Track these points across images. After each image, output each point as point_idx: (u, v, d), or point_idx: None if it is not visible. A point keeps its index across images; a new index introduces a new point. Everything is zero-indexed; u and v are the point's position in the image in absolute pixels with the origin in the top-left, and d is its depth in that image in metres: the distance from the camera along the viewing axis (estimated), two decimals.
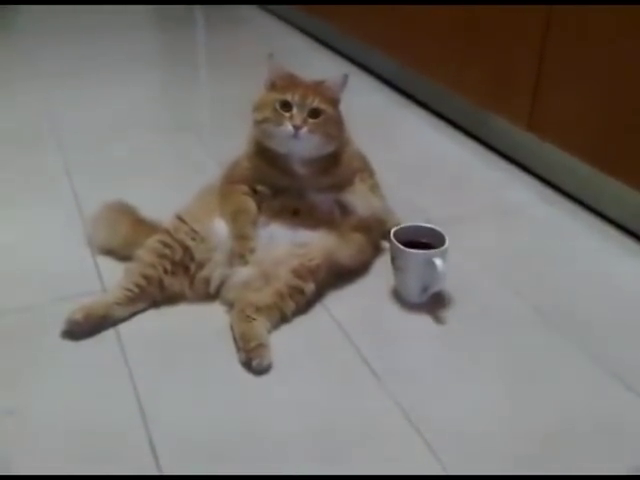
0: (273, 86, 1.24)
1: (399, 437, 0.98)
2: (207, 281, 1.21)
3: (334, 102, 1.24)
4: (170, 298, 1.21)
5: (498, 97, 1.73)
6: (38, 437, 0.96)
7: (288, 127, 1.19)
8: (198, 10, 3.14)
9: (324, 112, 1.21)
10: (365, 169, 1.37)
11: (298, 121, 1.19)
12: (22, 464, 0.92)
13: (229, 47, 2.63)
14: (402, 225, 1.26)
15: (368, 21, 2.20)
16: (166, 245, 1.22)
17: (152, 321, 1.18)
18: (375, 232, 1.32)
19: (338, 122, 1.25)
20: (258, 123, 1.24)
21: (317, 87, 1.22)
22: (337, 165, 1.28)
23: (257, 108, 1.24)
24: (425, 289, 1.21)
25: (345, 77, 1.23)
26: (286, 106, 1.20)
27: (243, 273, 1.20)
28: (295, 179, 1.26)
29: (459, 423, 1.00)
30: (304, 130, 1.19)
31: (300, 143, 1.20)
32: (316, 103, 1.20)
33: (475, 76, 1.79)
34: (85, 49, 2.57)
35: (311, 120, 1.20)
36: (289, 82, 1.22)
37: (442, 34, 1.88)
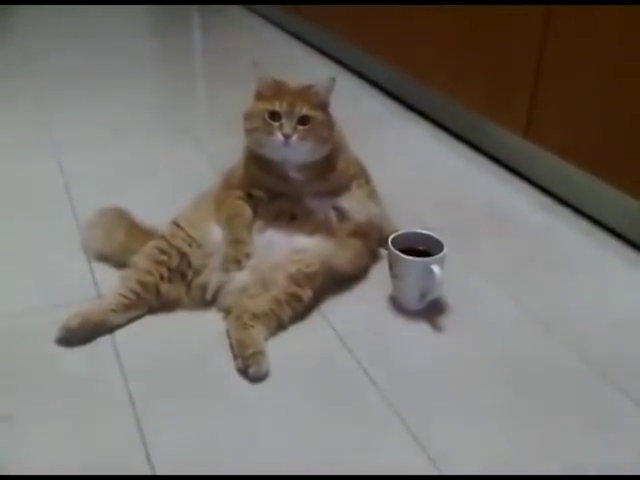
0: (260, 95, 1.24)
1: (395, 441, 0.97)
2: (204, 287, 1.21)
3: (322, 106, 1.24)
4: (166, 305, 1.20)
5: (495, 105, 1.73)
6: (33, 441, 0.95)
7: (278, 136, 1.19)
8: (195, 12, 3.15)
9: (313, 118, 1.21)
10: (362, 175, 1.36)
11: (288, 130, 1.19)
12: (18, 468, 0.91)
13: (226, 51, 2.64)
14: (400, 232, 1.25)
15: (364, 28, 2.20)
16: (162, 251, 1.21)
17: (148, 328, 1.17)
18: (372, 238, 1.32)
19: (328, 125, 1.24)
20: (249, 132, 1.24)
21: (304, 93, 1.22)
22: (332, 170, 1.28)
23: (247, 118, 1.24)
24: (423, 296, 1.20)
25: (332, 80, 1.23)
26: (275, 116, 1.20)
27: (240, 279, 1.19)
28: (291, 185, 1.26)
29: (457, 429, 0.99)
30: (294, 138, 1.19)
31: (292, 151, 1.21)
32: (304, 110, 1.20)
33: (472, 83, 1.80)
34: (82, 51, 2.57)
35: (301, 127, 1.20)
36: (276, 91, 1.22)
37: (439, 41, 1.89)
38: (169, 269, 1.20)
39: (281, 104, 1.19)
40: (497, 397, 1.06)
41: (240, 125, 1.25)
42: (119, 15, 3.06)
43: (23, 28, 2.89)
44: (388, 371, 1.10)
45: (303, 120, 1.20)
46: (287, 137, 1.19)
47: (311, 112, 1.20)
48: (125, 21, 3.02)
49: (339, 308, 1.23)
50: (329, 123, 1.25)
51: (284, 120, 1.19)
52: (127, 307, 1.16)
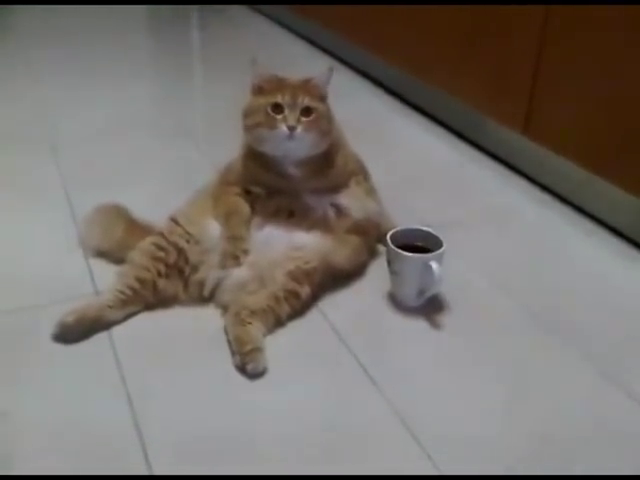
0: (260, 90, 1.23)
1: (395, 440, 0.97)
2: (201, 284, 1.20)
3: (322, 98, 1.24)
4: (164, 301, 1.20)
5: (494, 101, 1.73)
6: (30, 439, 0.95)
7: (283, 129, 1.18)
8: (194, 11, 3.14)
9: (315, 109, 1.20)
10: (361, 172, 1.36)
11: (292, 121, 1.18)
12: (15, 466, 0.91)
13: (224, 49, 2.63)
14: (398, 228, 1.25)
15: (366, 27, 2.19)
16: (160, 248, 1.21)
17: (145, 324, 1.17)
18: (371, 235, 1.31)
19: (328, 117, 1.24)
20: (250, 129, 1.23)
21: (305, 85, 1.22)
22: (331, 167, 1.27)
23: (247, 114, 1.23)
24: (421, 293, 1.20)
25: (330, 71, 1.23)
26: (278, 108, 1.19)
27: (238, 276, 1.19)
28: (289, 181, 1.25)
29: (455, 426, 0.99)
30: (299, 130, 1.18)
31: (296, 143, 1.20)
32: (307, 101, 1.19)
33: (471, 80, 1.79)
34: (81, 51, 2.56)
35: (304, 119, 1.19)
36: (277, 84, 1.21)
37: (438, 38, 1.88)
38: (166, 265, 1.19)
39: (283, 96, 1.19)
40: (496, 395, 1.05)
41: (238, 121, 1.24)
42: (120, 15, 3.05)
43: (23, 27, 2.88)
44: (387, 368, 1.09)
45: (306, 111, 1.19)
46: (292, 129, 1.18)
47: (313, 103, 1.20)
48: (125, 21, 3.00)
49: (337, 305, 1.23)
50: (329, 116, 1.24)
51: (287, 112, 1.18)
52: (124, 303, 1.16)
